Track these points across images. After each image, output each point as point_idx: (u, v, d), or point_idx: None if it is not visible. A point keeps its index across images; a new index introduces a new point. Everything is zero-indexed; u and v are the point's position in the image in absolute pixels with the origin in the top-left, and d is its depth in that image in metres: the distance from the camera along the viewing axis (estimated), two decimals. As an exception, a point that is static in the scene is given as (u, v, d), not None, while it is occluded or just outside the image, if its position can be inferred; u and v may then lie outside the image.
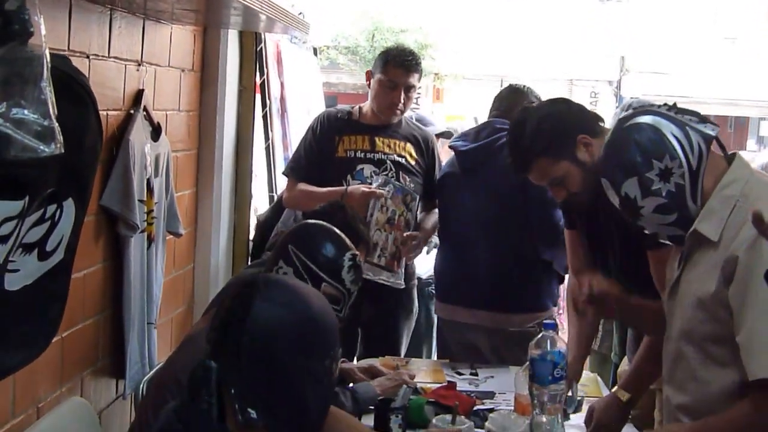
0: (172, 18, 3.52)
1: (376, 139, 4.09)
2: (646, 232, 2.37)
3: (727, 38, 21.06)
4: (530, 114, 2.99)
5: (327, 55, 19.84)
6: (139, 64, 3.32)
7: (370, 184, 3.93)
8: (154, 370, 3.33)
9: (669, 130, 2.25)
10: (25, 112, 1.38)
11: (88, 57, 2.88)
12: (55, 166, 1.94)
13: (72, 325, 2.92)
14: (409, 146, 4.13)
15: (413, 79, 4.06)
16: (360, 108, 4.19)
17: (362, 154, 4.07)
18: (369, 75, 4.15)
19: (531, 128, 2.91)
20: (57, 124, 1.44)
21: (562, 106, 2.99)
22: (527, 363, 2.84)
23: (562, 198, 3.00)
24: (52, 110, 1.43)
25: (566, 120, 2.92)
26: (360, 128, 4.11)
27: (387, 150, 4.08)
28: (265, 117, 4.86)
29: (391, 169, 4.04)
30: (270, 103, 4.87)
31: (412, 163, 4.10)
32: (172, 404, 1.85)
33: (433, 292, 4.32)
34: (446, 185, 4.05)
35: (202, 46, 4.12)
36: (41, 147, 1.40)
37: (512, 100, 4.08)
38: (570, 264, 3.32)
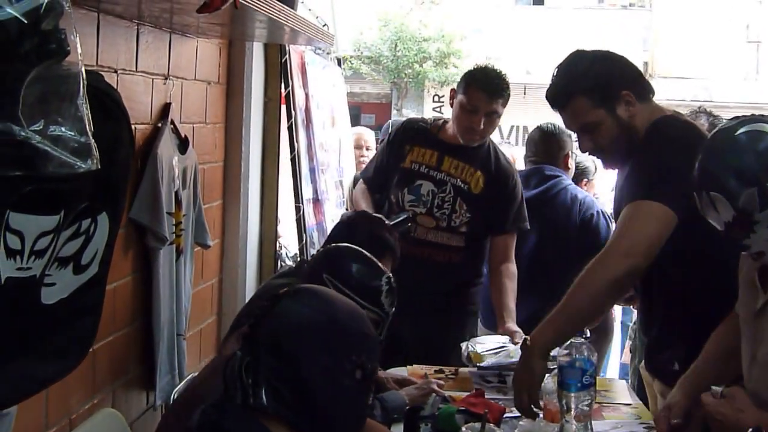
0: (198, 32, 3.56)
1: (446, 158, 3.98)
2: (750, 252, 2.24)
3: (750, 42, 20.95)
4: (586, 53, 2.95)
5: (350, 64, 19.90)
6: (166, 78, 3.35)
7: (423, 203, 3.91)
8: (184, 382, 3.36)
9: None
10: (63, 129, 1.41)
11: (116, 72, 2.91)
12: (89, 181, 1.98)
13: (103, 337, 2.95)
14: (479, 174, 3.97)
15: (497, 105, 3.86)
16: (444, 123, 4.08)
17: (426, 170, 4.00)
18: (453, 93, 4.00)
19: (582, 67, 2.88)
20: (93, 141, 1.47)
21: (618, 58, 2.95)
22: (555, 370, 2.85)
23: (587, 149, 2.97)
24: (89, 127, 1.46)
25: (618, 71, 2.89)
26: (433, 143, 4.01)
27: (453, 172, 3.97)
28: (290, 128, 4.89)
29: (449, 193, 3.96)
30: (295, 114, 4.89)
31: (476, 192, 3.96)
32: (209, 402, 1.90)
33: None
34: None
35: (228, 58, 4.15)
36: (78, 163, 1.43)
37: (547, 144, 4.37)
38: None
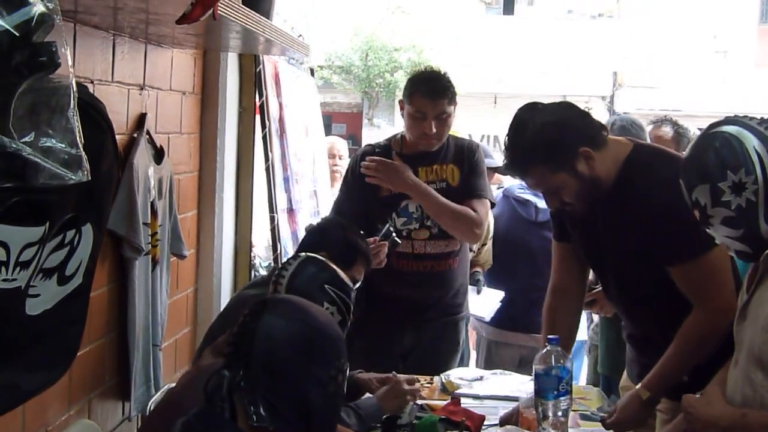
0: (174, 42, 3.56)
1: (419, 169, 3.95)
2: (717, 242, 2.33)
3: (718, 52, 21.14)
4: (534, 117, 2.83)
5: (321, 74, 19.88)
6: (142, 88, 3.35)
7: (415, 220, 3.94)
8: (160, 392, 3.35)
9: (752, 143, 2.17)
10: (53, 141, 1.42)
11: (92, 82, 2.91)
12: (74, 192, 1.98)
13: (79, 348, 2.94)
14: (452, 166, 3.99)
15: (442, 106, 3.83)
16: (402, 137, 4.04)
17: None
18: (402, 104, 3.97)
19: (532, 133, 2.79)
20: (84, 153, 1.48)
21: (567, 115, 2.86)
22: (532, 377, 2.87)
23: (555, 207, 2.98)
24: (79, 139, 1.47)
25: (569, 131, 2.80)
26: (401, 160, 3.96)
27: (431, 178, 3.96)
28: (264, 138, 4.89)
29: None
30: (269, 124, 4.89)
31: (455, 185, 3.97)
32: (191, 412, 1.91)
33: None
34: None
35: (203, 69, 4.16)
36: (69, 175, 1.44)
37: None
38: (552, 279, 3.29)
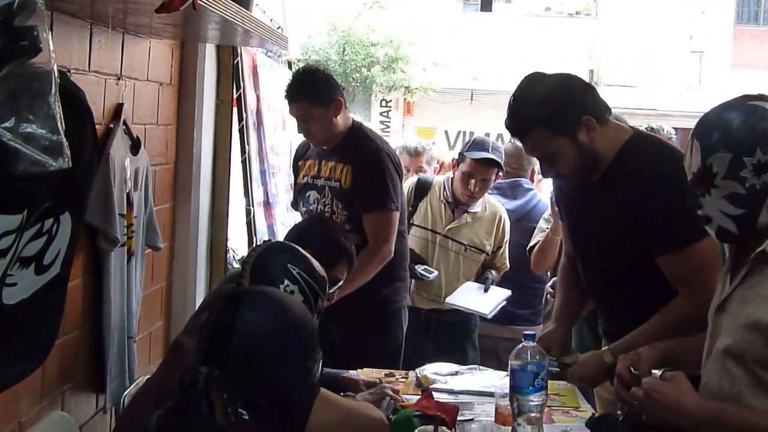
0: (151, 32, 3.53)
1: (323, 162, 4.10)
2: (699, 213, 2.22)
3: (694, 52, 21.28)
4: (541, 81, 2.84)
5: (298, 67, 19.83)
6: (119, 78, 3.32)
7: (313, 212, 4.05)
8: (134, 384, 3.33)
9: None
10: (34, 126, 1.40)
11: (68, 71, 2.88)
12: (53, 180, 1.96)
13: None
14: (347, 167, 4.03)
15: (300, 110, 3.99)
16: None
17: (311, 180, 4.12)
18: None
19: (538, 96, 2.78)
20: (65, 139, 1.46)
21: (575, 82, 2.88)
22: (507, 372, 2.87)
23: (549, 175, 2.98)
24: (61, 125, 1.45)
25: (575, 97, 2.81)
26: (315, 152, 4.16)
27: (328, 174, 4.07)
28: (241, 130, 4.87)
29: (328, 196, 4.04)
30: (246, 116, 4.88)
31: (347, 187, 4.01)
32: (167, 405, 1.89)
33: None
34: None
35: (180, 60, 4.13)
36: (50, 161, 1.42)
37: (518, 158, 4.94)
38: (564, 247, 3.38)
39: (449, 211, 4.72)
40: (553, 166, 2.86)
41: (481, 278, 4.74)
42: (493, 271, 4.84)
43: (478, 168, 4.56)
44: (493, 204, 4.84)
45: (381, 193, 4.01)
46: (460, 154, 4.71)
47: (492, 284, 4.75)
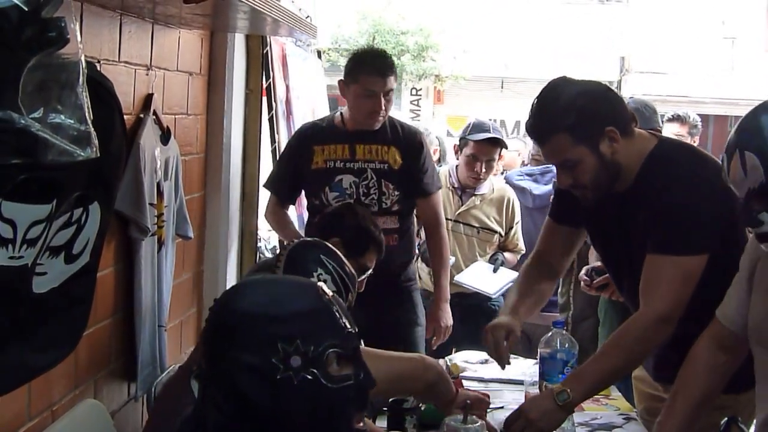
0: (181, 22, 3.55)
1: (357, 146, 4.02)
2: (760, 231, 2.06)
3: (726, 38, 21.06)
4: (567, 86, 2.74)
5: (328, 57, 19.84)
6: (149, 69, 3.34)
7: (348, 196, 3.98)
8: (165, 372, 3.36)
9: None
10: (62, 117, 1.40)
11: (98, 62, 2.90)
12: (82, 170, 1.98)
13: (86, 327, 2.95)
14: (393, 149, 4.02)
15: (391, 83, 3.93)
16: (341, 114, 4.12)
17: (342, 164, 4.03)
18: (342, 84, 4.04)
19: (564, 101, 2.67)
20: (93, 129, 1.47)
21: (602, 90, 2.77)
22: (537, 360, 2.87)
23: (566, 186, 2.81)
24: (88, 115, 1.46)
25: (601, 107, 2.70)
26: (340, 136, 4.05)
27: (369, 157, 4.02)
28: (271, 120, 4.88)
29: (372, 178, 4.00)
30: (276, 106, 4.89)
31: (397, 168, 4.01)
32: (189, 409, 1.86)
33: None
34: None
35: (210, 50, 4.14)
36: (78, 151, 1.43)
37: None
38: (538, 247, 3.21)
39: (457, 197, 4.82)
40: (570, 175, 2.75)
41: (491, 258, 4.81)
42: (506, 254, 4.88)
43: (482, 149, 4.67)
44: (500, 185, 4.94)
45: (435, 176, 4.20)
46: (462, 138, 4.77)
47: (502, 266, 4.79)
